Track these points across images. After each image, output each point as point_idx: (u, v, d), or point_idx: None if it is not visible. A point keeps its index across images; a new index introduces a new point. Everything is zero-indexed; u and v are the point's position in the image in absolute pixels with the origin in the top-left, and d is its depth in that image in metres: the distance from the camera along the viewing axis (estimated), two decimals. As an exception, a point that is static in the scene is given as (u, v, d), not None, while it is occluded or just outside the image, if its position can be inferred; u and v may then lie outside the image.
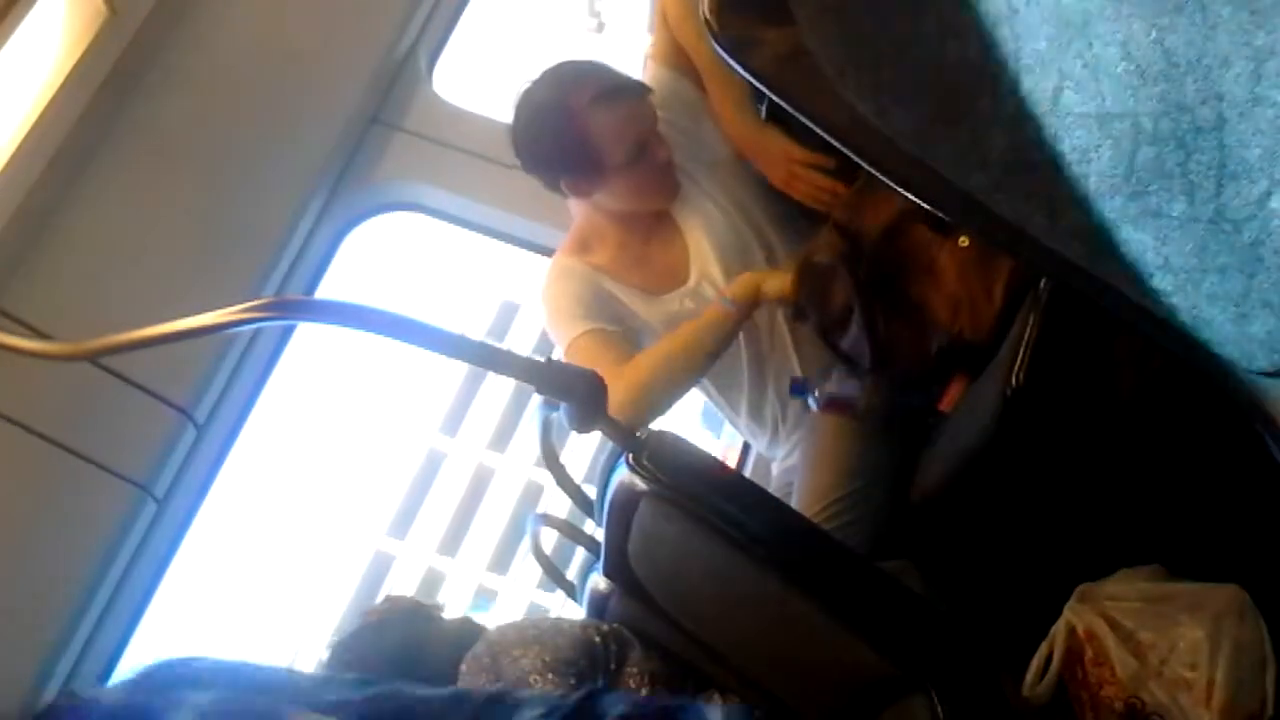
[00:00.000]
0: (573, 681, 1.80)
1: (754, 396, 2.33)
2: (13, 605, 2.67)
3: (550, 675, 1.81)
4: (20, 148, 2.67)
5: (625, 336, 2.23)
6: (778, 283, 2.11)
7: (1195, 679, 1.61)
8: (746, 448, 2.95)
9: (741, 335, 2.23)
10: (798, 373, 2.27)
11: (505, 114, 2.29)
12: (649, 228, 2.27)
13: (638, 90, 2.18)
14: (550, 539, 2.43)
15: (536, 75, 2.21)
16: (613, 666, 1.85)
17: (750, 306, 2.13)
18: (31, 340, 2.32)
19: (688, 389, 2.23)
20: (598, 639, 1.87)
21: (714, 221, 2.23)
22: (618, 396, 2.12)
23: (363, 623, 2.08)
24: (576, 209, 2.35)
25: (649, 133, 2.16)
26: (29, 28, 2.53)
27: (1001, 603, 1.83)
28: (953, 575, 1.90)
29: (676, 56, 2.25)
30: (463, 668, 1.90)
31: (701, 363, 2.17)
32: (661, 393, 2.16)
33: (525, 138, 2.20)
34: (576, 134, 2.13)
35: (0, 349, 2.12)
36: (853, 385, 2.06)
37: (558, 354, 2.36)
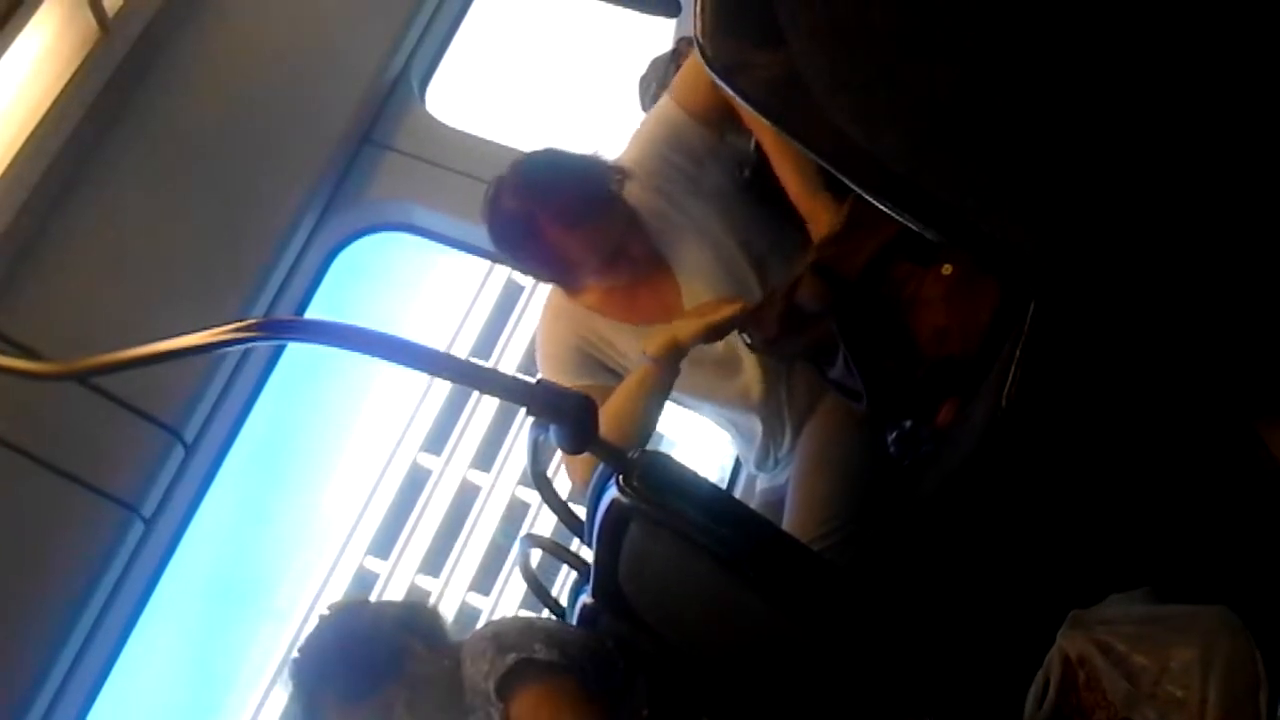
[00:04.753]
0: None
1: (753, 423, 2.33)
2: (-1, 625, 2.65)
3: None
4: (10, 167, 2.67)
5: (604, 392, 2.22)
6: (689, 328, 2.11)
7: (1188, 698, 1.61)
8: (735, 469, 2.95)
9: (749, 369, 2.24)
10: (790, 401, 2.28)
11: (498, 134, 2.30)
12: (634, 274, 2.27)
13: (612, 192, 2.16)
14: (538, 559, 2.43)
15: (509, 169, 2.20)
16: (621, 682, 1.84)
17: (672, 358, 2.13)
18: (20, 359, 2.31)
19: (641, 436, 2.23)
20: (610, 644, 1.87)
21: (706, 260, 2.23)
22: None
23: (303, 643, 2.03)
24: None
25: (623, 236, 2.17)
26: (21, 47, 2.53)
27: (997, 628, 1.83)
28: (947, 598, 1.90)
29: (700, 106, 2.22)
30: (463, 654, 1.89)
31: (644, 415, 2.18)
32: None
33: (498, 241, 2.22)
34: (547, 250, 2.16)
35: (-12, 368, 2.11)
36: (856, 381, 2.05)
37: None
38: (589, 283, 2.23)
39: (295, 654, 2.01)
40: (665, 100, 2.28)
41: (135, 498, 2.77)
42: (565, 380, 2.23)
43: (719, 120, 2.23)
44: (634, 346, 2.25)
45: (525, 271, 2.25)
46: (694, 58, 2.24)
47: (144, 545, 2.82)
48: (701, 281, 2.23)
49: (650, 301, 2.27)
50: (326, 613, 2.05)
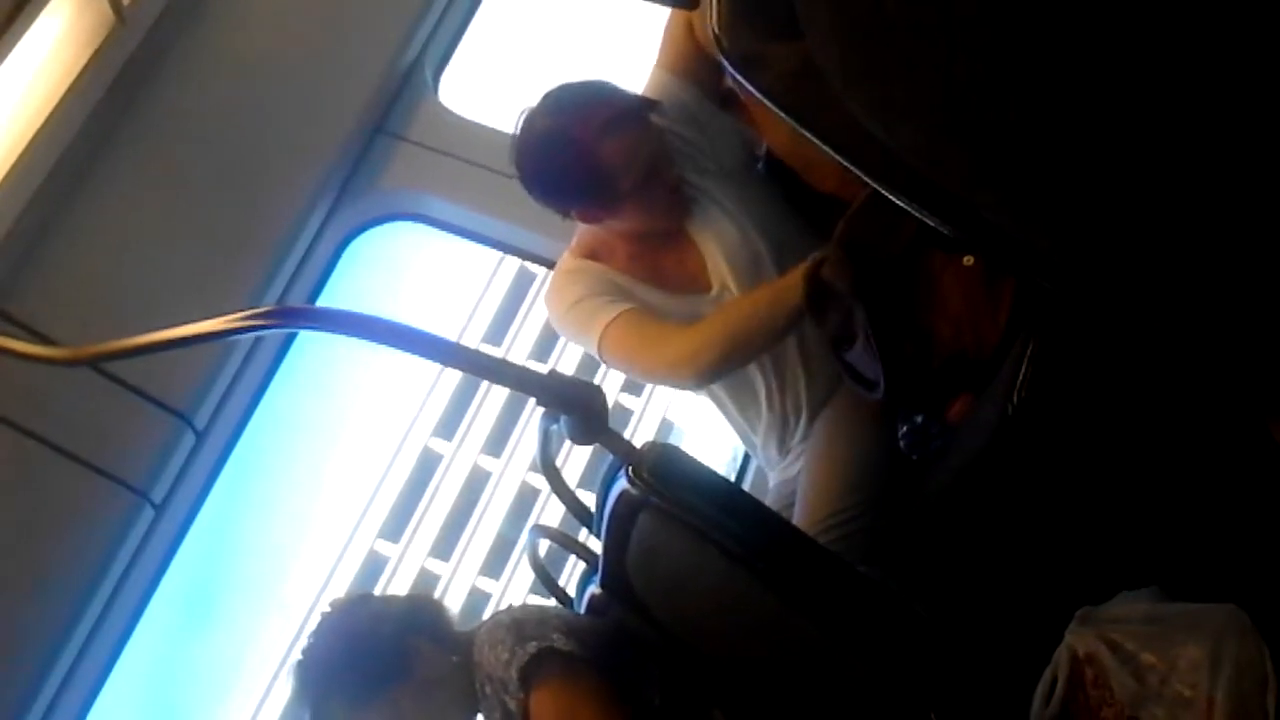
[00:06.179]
0: None
1: (768, 407, 2.32)
2: (8, 609, 2.66)
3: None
4: (25, 154, 2.68)
5: (650, 314, 2.19)
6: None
7: (1195, 698, 1.60)
8: (746, 461, 2.95)
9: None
10: (808, 389, 2.27)
11: (512, 125, 2.28)
12: (660, 241, 2.26)
13: (643, 111, 2.16)
14: (546, 549, 2.44)
15: (537, 101, 2.18)
16: (633, 671, 1.85)
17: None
18: (32, 344, 2.32)
19: (765, 350, 2.18)
20: (621, 633, 1.87)
21: (727, 234, 2.22)
22: (693, 346, 2.12)
23: (306, 647, 2.01)
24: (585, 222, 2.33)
25: (657, 155, 2.15)
26: (36, 35, 2.53)
27: (1005, 625, 1.83)
28: (955, 595, 1.90)
29: (689, 64, 2.22)
30: (475, 642, 1.89)
31: (785, 324, 2.11)
32: (746, 343, 2.13)
33: (532, 169, 2.16)
34: (585, 165, 2.11)
35: (0, 353, 2.12)
36: (874, 366, 2.03)
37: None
38: (626, 208, 2.17)
39: (299, 658, 1.99)
40: (651, 73, 2.28)
41: (145, 483, 2.78)
42: (604, 312, 2.18)
43: (705, 74, 2.21)
44: (661, 302, 2.23)
45: (559, 203, 2.19)
46: (668, 20, 2.24)
47: (153, 531, 2.84)
48: (723, 257, 2.22)
49: (675, 270, 2.25)
50: (328, 610, 2.03)
